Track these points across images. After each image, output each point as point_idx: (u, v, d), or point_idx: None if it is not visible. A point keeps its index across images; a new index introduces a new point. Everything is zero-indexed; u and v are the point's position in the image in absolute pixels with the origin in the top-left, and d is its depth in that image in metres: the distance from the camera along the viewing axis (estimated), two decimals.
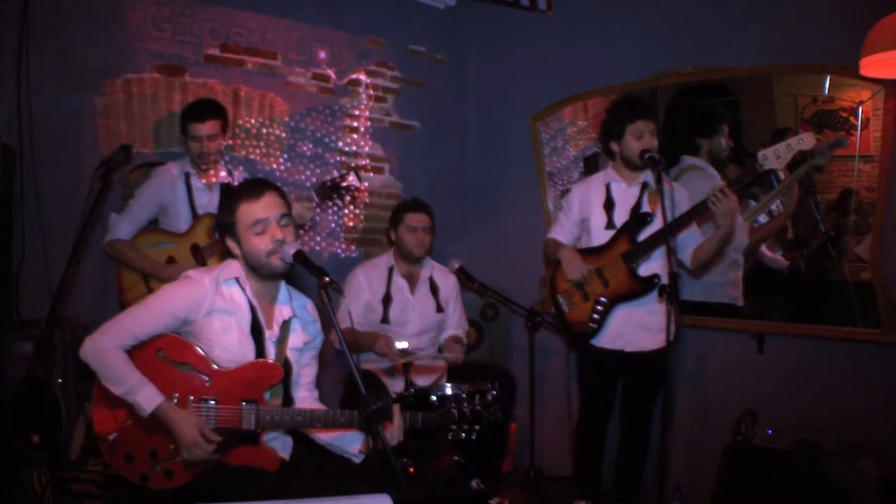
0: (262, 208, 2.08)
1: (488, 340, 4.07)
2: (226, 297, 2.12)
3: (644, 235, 2.94)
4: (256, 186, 2.13)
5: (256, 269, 2.13)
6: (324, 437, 2.26)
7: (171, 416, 1.98)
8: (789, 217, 3.28)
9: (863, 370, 3.00)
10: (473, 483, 2.98)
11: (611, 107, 3.09)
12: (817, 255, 3.25)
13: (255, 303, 2.16)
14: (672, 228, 2.75)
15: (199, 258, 2.99)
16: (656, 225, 2.92)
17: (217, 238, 2.22)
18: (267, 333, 2.16)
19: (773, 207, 3.31)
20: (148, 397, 1.97)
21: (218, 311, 2.10)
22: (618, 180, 3.05)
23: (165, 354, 2.06)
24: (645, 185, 3.02)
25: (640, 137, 2.92)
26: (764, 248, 3.36)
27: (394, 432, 2.15)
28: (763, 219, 3.35)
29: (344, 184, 3.06)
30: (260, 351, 2.14)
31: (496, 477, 3.44)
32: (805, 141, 2.66)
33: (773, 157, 2.67)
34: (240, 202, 2.10)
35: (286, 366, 2.18)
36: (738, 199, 2.75)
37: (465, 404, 2.30)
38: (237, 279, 2.15)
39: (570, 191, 3.24)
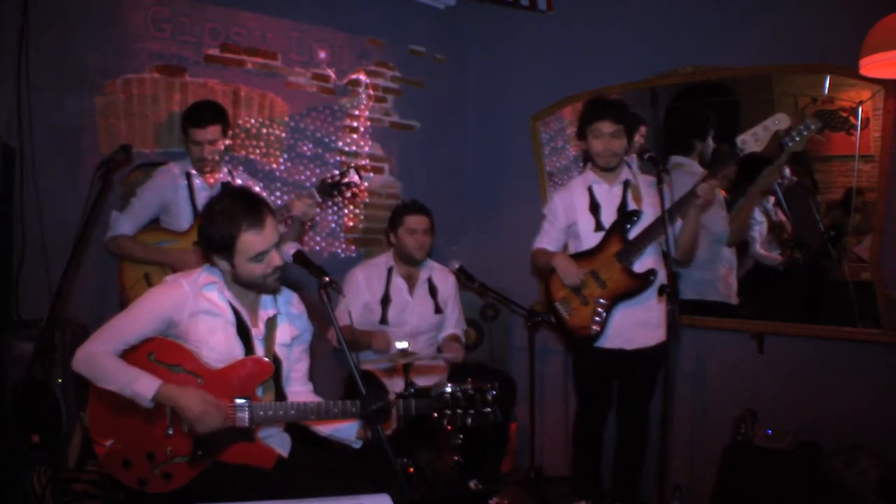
0: (264, 240, 2.04)
1: (488, 340, 4.07)
2: (208, 300, 2.13)
3: (634, 233, 2.94)
4: (257, 212, 2.03)
5: (246, 286, 2.13)
6: (324, 430, 2.28)
7: (173, 395, 1.99)
8: (757, 199, 3.28)
9: (863, 370, 3.00)
10: (471, 485, 2.98)
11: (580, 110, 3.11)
12: (817, 255, 3.25)
13: (237, 305, 2.16)
14: (664, 223, 2.74)
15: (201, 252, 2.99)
16: (645, 221, 2.92)
17: (201, 249, 2.19)
18: (253, 332, 2.17)
19: (770, 208, 3.31)
20: (146, 384, 1.98)
21: (202, 312, 2.11)
22: (599, 181, 3.05)
23: (157, 357, 2.07)
24: (627, 183, 3.03)
25: (597, 137, 2.94)
26: (758, 247, 3.36)
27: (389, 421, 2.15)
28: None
29: (345, 180, 3.06)
30: (248, 349, 2.15)
31: (495, 477, 3.43)
32: (780, 121, 2.64)
33: (752, 141, 2.66)
34: (241, 230, 2.01)
35: (276, 362, 2.19)
36: (718, 184, 2.80)
37: (459, 391, 2.29)
38: (216, 283, 2.15)
39: (551, 198, 3.24)
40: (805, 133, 2.69)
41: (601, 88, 3.75)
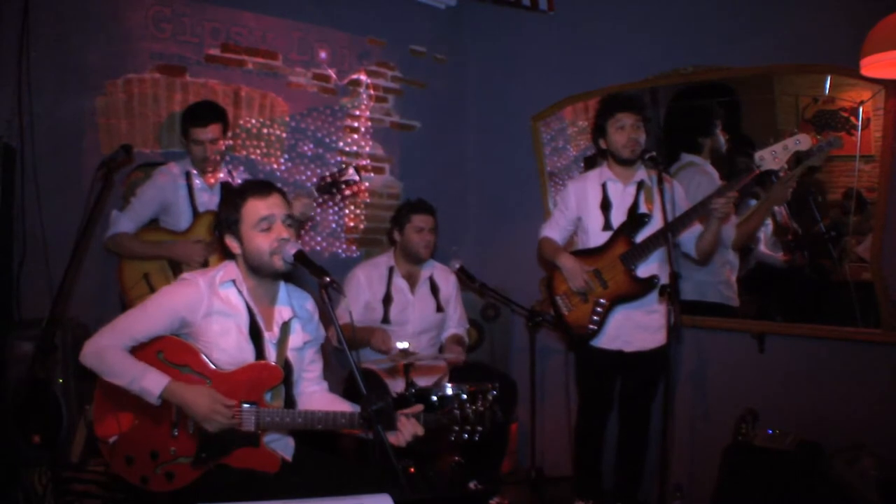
0: (268, 206, 2.08)
1: (489, 340, 4.07)
2: (223, 300, 2.12)
3: (642, 236, 2.94)
4: (264, 186, 2.13)
5: (257, 269, 2.12)
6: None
7: (181, 392, 1.99)
8: (770, 209, 3.28)
9: (863, 370, 3.00)
10: (471, 485, 2.98)
11: (596, 107, 3.13)
12: (818, 256, 3.25)
13: (252, 305, 2.15)
14: (672, 230, 2.75)
15: (202, 247, 2.98)
16: (654, 226, 2.92)
17: (217, 236, 2.21)
18: (267, 335, 2.15)
19: (775, 209, 3.31)
20: (154, 380, 1.97)
21: (216, 313, 2.10)
22: (614, 180, 3.05)
23: (165, 356, 2.06)
24: (641, 184, 3.02)
25: (621, 129, 2.95)
26: (762, 247, 3.36)
27: (406, 437, 2.12)
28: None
29: (343, 178, 3.07)
30: (259, 353, 2.13)
31: (496, 477, 3.43)
32: (802, 142, 2.66)
33: (771, 158, 2.67)
34: (246, 199, 2.09)
35: (287, 367, 2.17)
36: (738, 197, 2.78)
37: (468, 405, 2.30)
38: (234, 281, 2.14)
39: (565, 187, 3.24)
40: (825, 152, 2.71)
41: (601, 88, 3.76)
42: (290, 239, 2.08)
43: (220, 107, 3.11)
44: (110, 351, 2.00)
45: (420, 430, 2.12)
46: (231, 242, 2.13)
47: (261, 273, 2.13)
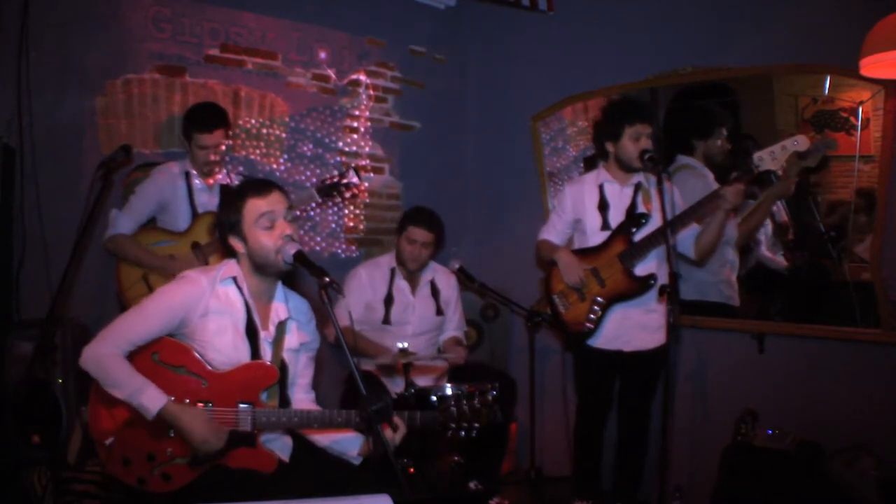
0: (269, 203, 2.08)
1: (489, 340, 4.08)
2: (221, 298, 2.11)
3: (640, 236, 2.94)
4: (263, 184, 2.13)
5: (262, 268, 2.12)
6: (323, 440, 2.26)
7: (177, 414, 1.98)
8: (772, 205, 3.29)
9: (863, 370, 3.00)
10: (471, 485, 2.98)
11: (608, 106, 3.07)
12: (818, 256, 3.25)
13: (251, 302, 2.14)
14: (672, 228, 2.74)
15: (200, 256, 2.99)
16: (652, 225, 2.92)
17: (217, 238, 2.21)
18: (262, 334, 2.15)
19: (774, 209, 3.32)
20: (152, 398, 1.96)
21: (213, 312, 2.09)
22: (611, 181, 3.04)
23: (161, 358, 2.06)
24: (639, 186, 3.02)
25: (637, 140, 2.91)
26: (763, 250, 3.36)
27: (394, 439, 2.13)
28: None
29: (344, 181, 3.08)
30: (255, 352, 2.13)
31: (496, 477, 3.43)
32: (799, 142, 2.67)
33: (769, 159, 2.69)
34: (246, 199, 2.09)
35: (282, 367, 2.17)
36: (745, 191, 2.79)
37: (465, 402, 2.29)
38: (234, 279, 2.14)
39: (562, 190, 3.23)
40: (821, 153, 2.72)
41: (601, 88, 3.76)
42: (293, 236, 2.08)
43: (222, 109, 3.09)
44: (109, 359, 1.98)
45: (402, 425, 2.10)
46: (235, 243, 2.13)
47: (265, 271, 2.13)
